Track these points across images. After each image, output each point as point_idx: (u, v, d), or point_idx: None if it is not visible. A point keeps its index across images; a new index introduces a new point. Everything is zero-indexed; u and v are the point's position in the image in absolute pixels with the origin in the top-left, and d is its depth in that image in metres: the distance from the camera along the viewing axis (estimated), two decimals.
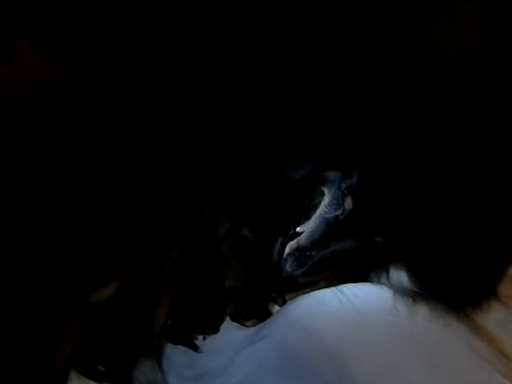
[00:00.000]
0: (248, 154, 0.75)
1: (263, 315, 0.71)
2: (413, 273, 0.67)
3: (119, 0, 0.80)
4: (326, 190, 0.72)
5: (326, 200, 0.72)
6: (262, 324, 0.70)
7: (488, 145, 0.70)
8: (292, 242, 0.70)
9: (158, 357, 0.69)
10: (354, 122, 0.75)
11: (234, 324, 0.72)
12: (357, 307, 0.66)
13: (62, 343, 0.67)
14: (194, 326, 0.72)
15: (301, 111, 0.76)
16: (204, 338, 0.72)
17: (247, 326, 0.71)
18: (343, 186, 0.71)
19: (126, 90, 0.78)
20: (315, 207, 0.72)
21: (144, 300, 0.71)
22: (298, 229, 0.71)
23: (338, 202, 0.70)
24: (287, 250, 0.70)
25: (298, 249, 0.69)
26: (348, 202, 0.70)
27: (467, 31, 0.78)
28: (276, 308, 0.74)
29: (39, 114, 0.75)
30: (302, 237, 0.70)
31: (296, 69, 0.78)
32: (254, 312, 0.71)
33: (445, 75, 0.73)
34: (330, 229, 0.69)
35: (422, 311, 0.66)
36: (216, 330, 0.72)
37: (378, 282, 0.70)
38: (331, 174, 0.72)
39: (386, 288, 0.69)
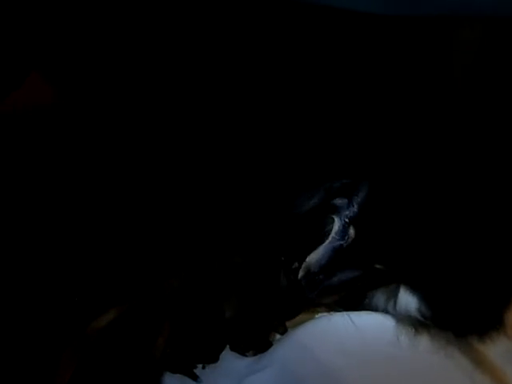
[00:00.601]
0: (259, 185, 0.75)
1: (263, 346, 0.70)
2: (417, 300, 0.67)
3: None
4: (335, 218, 0.73)
5: (335, 228, 0.73)
6: (263, 353, 0.70)
7: (493, 174, 0.70)
8: (304, 267, 0.72)
9: None
10: (358, 143, 0.75)
11: (234, 353, 0.71)
12: (360, 336, 0.66)
13: (61, 372, 0.67)
14: (194, 354, 0.71)
15: (310, 135, 0.77)
16: (203, 367, 0.71)
17: (247, 356, 0.70)
18: (347, 214, 0.72)
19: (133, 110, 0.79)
20: (326, 235, 0.73)
21: (144, 327, 0.70)
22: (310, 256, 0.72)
23: (344, 230, 0.72)
24: (301, 273, 0.72)
25: (308, 273, 0.71)
26: (350, 231, 0.71)
27: None
28: (277, 337, 0.73)
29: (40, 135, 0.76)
30: (312, 261, 0.72)
31: (304, 97, 0.78)
32: (254, 343, 0.70)
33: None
34: (335, 257, 0.70)
35: (424, 342, 0.65)
36: (215, 360, 0.71)
37: (382, 309, 0.70)
38: (339, 202, 0.73)
39: (389, 317, 0.68)
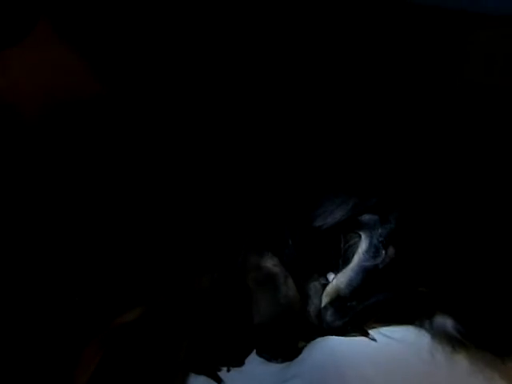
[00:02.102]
0: (282, 193, 0.72)
1: (292, 354, 0.68)
2: (457, 320, 0.64)
3: None
4: (362, 235, 0.70)
5: (363, 246, 0.70)
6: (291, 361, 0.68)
7: None
8: (331, 290, 0.68)
9: None
10: (391, 162, 0.72)
11: (260, 358, 0.69)
12: (393, 350, 0.64)
13: (82, 368, 0.65)
14: (218, 356, 0.69)
15: (336, 150, 0.75)
16: (228, 370, 0.69)
17: (274, 363, 0.68)
18: (381, 232, 0.69)
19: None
20: (353, 253, 0.69)
21: (170, 326, 0.68)
22: (334, 275, 0.69)
23: (376, 249, 0.69)
24: (326, 298, 0.68)
25: (338, 298, 0.67)
26: (390, 251, 0.68)
27: None
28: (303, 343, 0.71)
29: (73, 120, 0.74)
30: (341, 285, 0.68)
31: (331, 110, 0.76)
32: (283, 351, 0.68)
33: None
34: (369, 278, 0.67)
35: (462, 363, 0.62)
36: (241, 363, 0.69)
37: (419, 325, 0.67)
38: (368, 218, 0.70)
39: (424, 333, 0.66)
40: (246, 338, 0.70)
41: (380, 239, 0.69)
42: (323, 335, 0.68)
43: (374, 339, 0.66)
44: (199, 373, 0.69)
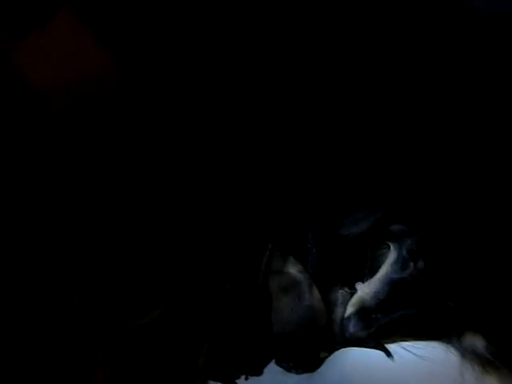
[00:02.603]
0: (308, 200, 0.70)
1: (313, 365, 0.66)
2: (488, 339, 0.61)
3: None
4: (391, 246, 0.67)
5: (391, 257, 0.67)
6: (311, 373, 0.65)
7: None
8: (356, 300, 0.66)
9: None
10: (420, 173, 0.70)
11: (279, 368, 0.67)
12: (419, 371, 0.61)
13: (98, 369, 0.63)
14: (237, 364, 0.67)
15: (364, 159, 0.72)
16: (246, 378, 0.67)
17: (294, 373, 0.66)
18: (410, 243, 0.67)
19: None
20: (380, 263, 0.67)
21: (190, 330, 0.66)
22: (360, 285, 0.67)
23: (404, 261, 0.66)
24: (351, 308, 0.66)
25: (362, 309, 0.65)
26: (419, 264, 0.65)
27: None
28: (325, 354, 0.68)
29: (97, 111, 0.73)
30: (366, 296, 0.66)
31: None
32: (304, 362, 0.65)
33: None
34: (396, 291, 0.65)
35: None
36: (259, 372, 0.67)
37: (447, 342, 0.64)
38: (397, 229, 0.68)
39: (453, 350, 0.63)
40: (266, 345, 0.68)
41: (409, 251, 0.66)
42: (346, 346, 0.66)
43: (391, 355, 0.63)
44: (217, 380, 0.67)
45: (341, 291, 0.68)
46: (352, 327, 0.64)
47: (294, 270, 0.70)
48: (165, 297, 0.65)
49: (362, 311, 0.65)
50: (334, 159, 0.74)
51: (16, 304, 0.61)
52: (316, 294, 0.68)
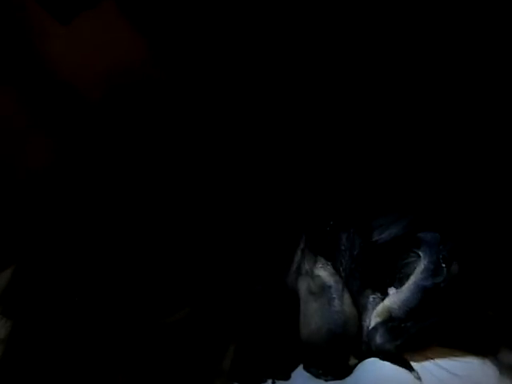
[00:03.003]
0: (342, 205, 0.68)
1: (342, 372, 0.64)
2: None
3: None
4: (421, 254, 0.65)
5: (421, 265, 0.65)
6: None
7: None
8: (382, 311, 0.63)
9: None
10: (450, 179, 0.68)
11: (307, 373, 0.65)
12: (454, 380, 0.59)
13: (124, 364, 0.62)
14: (264, 368, 0.66)
15: (394, 165, 0.70)
16: (273, 383, 0.66)
17: (322, 379, 0.64)
18: (443, 249, 0.64)
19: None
20: (409, 271, 0.64)
21: (217, 330, 0.65)
22: (390, 291, 0.64)
23: (436, 267, 0.64)
24: (377, 318, 0.63)
25: (390, 319, 0.62)
26: (453, 268, 0.63)
27: None
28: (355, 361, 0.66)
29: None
30: (394, 305, 0.63)
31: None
32: (333, 368, 0.63)
33: None
34: (428, 298, 0.62)
35: None
36: (286, 377, 0.65)
37: (483, 355, 0.62)
38: (428, 236, 0.66)
39: (490, 366, 0.60)
40: (294, 350, 0.66)
41: (441, 257, 0.64)
42: (373, 357, 0.64)
43: (418, 378, 0.61)
44: (242, 383, 0.65)
45: (372, 296, 0.66)
46: (379, 338, 0.62)
47: (324, 273, 0.68)
48: (194, 296, 0.64)
49: (389, 321, 0.63)
50: (369, 160, 0.72)
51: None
52: (347, 299, 0.66)
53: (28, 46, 0.70)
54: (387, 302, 0.65)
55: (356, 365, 0.65)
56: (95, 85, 0.75)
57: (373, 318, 0.65)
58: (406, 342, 0.61)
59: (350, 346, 0.65)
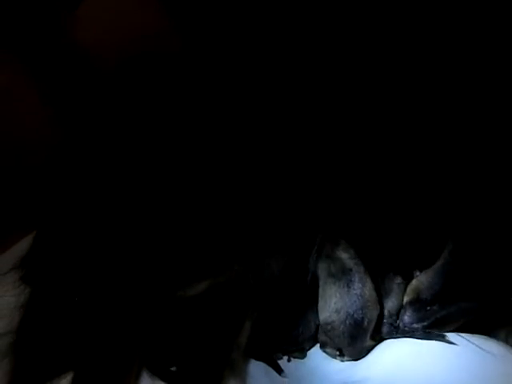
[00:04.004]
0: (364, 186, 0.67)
1: (359, 355, 0.64)
2: None
3: None
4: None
5: (450, 245, 0.63)
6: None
7: None
8: (411, 291, 0.64)
9: (244, 377, 0.63)
10: None
11: (323, 353, 0.66)
12: (475, 361, 0.59)
13: (140, 337, 0.62)
14: (280, 345, 0.66)
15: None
16: (289, 360, 0.66)
17: (339, 360, 0.64)
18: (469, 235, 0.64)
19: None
20: (438, 252, 0.64)
21: (236, 304, 0.65)
22: (417, 274, 0.64)
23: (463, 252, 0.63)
24: (407, 298, 0.64)
25: (418, 300, 0.63)
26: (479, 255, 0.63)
27: None
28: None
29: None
30: (421, 286, 0.64)
31: None
32: (350, 351, 0.63)
33: None
34: (455, 283, 0.62)
35: None
36: (303, 355, 0.66)
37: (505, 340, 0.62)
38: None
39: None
40: (311, 329, 0.66)
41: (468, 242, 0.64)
42: (396, 337, 0.64)
43: (452, 343, 0.61)
44: (259, 359, 0.65)
45: (397, 281, 0.65)
46: (407, 318, 0.62)
47: (345, 255, 0.68)
48: (212, 270, 0.63)
49: (417, 302, 0.63)
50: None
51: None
52: (368, 282, 0.66)
53: (42, 9, 0.69)
54: (415, 281, 0.65)
55: (373, 347, 0.65)
56: (110, 52, 0.73)
57: (405, 297, 0.65)
58: (431, 324, 0.62)
59: (367, 328, 0.65)
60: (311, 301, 0.67)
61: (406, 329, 0.63)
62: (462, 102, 0.67)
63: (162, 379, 0.63)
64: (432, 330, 0.61)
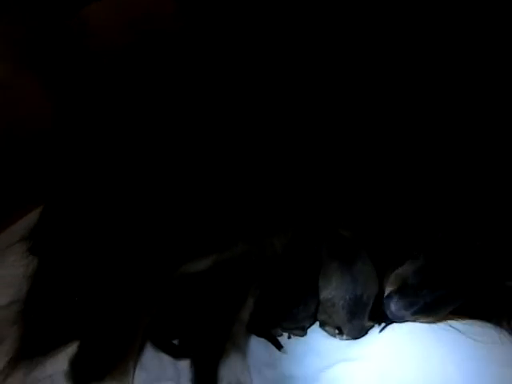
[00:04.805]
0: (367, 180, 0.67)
1: (359, 334, 0.65)
2: None
3: None
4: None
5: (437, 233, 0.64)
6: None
7: None
8: (396, 279, 0.63)
9: (245, 352, 0.64)
10: None
11: (323, 332, 0.67)
12: (474, 347, 0.60)
13: (144, 310, 0.64)
14: (281, 322, 0.67)
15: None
16: (289, 337, 0.67)
17: (338, 339, 0.65)
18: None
19: None
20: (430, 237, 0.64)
21: (238, 283, 0.66)
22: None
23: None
24: (392, 286, 0.63)
25: (404, 286, 0.62)
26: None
27: None
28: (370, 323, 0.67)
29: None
30: (407, 273, 0.63)
31: None
32: (349, 330, 0.64)
33: None
34: (446, 267, 0.61)
35: None
36: (303, 333, 0.67)
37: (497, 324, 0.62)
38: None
39: (507, 335, 0.61)
40: (311, 307, 0.67)
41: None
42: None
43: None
44: (259, 335, 0.67)
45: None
46: (393, 306, 0.62)
47: (347, 234, 0.69)
48: (218, 247, 0.64)
49: (404, 288, 0.62)
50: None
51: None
52: (368, 264, 0.67)
53: None
54: (400, 270, 0.65)
55: (371, 327, 0.66)
56: (118, 33, 0.74)
57: (387, 287, 0.65)
58: (421, 309, 0.61)
59: (367, 303, 0.65)
60: (312, 279, 0.68)
61: (395, 318, 0.62)
62: (462, 101, 0.67)
63: (165, 352, 0.65)
64: (421, 316, 0.62)
